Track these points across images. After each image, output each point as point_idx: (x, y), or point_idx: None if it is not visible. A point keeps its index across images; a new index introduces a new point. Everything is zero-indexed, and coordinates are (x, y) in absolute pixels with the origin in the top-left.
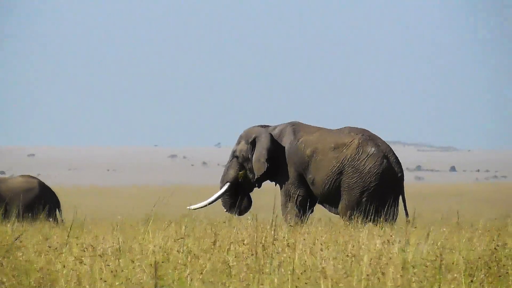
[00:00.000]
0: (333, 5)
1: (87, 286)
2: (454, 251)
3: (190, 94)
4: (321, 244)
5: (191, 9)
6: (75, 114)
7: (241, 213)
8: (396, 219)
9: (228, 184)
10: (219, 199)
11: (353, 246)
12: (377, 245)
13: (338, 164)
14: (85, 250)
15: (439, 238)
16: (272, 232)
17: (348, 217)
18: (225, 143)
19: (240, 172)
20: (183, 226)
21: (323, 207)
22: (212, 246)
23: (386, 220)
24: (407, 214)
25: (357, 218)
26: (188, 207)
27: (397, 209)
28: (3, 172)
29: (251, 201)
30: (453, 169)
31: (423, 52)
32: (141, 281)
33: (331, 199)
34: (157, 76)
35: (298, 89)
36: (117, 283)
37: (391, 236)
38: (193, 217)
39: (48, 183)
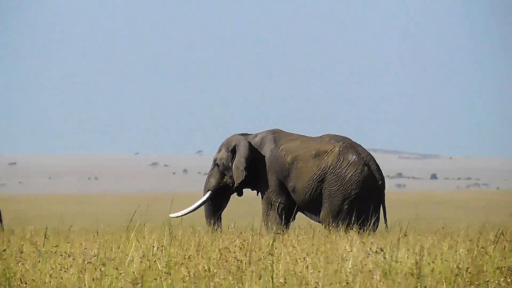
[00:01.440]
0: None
1: None
2: (435, 259)
3: (171, 102)
4: (303, 252)
5: (170, 20)
6: (55, 122)
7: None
8: (377, 226)
9: (209, 192)
10: (201, 207)
11: (335, 254)
12: (359, 253)
13: (319, 172)
14: (67, 258)
15: (420, 245)
16: (251, 239)
17: (330, 225)
18: (206, 150)
19: (224, 180)
20: (165, 234)
21: (304, 214)
22: (195, 254)
23: (368, 228)
24: (386, 222)
25: (339, 226)
26: (170, 215)
27: (379, 217)
28: None
29: (224, 208)
30: (434, 176)
31: (405, 60)
32: None
33: (312, 206)
34: (138, 84)
35: (279, 97)
36: None
37: (373, 244)
38: (176, 224)
39: (29, 191)
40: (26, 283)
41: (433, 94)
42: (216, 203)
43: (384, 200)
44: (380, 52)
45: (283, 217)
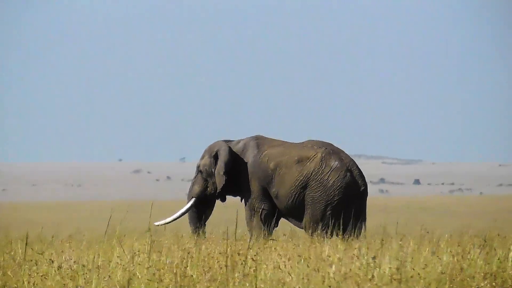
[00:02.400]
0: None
1: None
2: (418, 264)
3: (155, 108)
4: (287, 258)
5: (152, 27)
6: (38, 129)
7: (203, 224)
8: (361, 232)
9: (193, 199)
10: (185, 214)
11: (318, 260)
12: (342, 258)
13: (301, 178)
14: (51, 265)
15: (403, 251)
16: (234, 245)
17: (313, 230)
18: (189, 158)
19: (207, 186)
20: (148, 241)
21: (287, 220)
22: (179, 260)
23: (351, 234)
24: (365, 227)
25: (322, 232)
26: (154, 224)
27: (362, 223)
28: None
29: (209, 215)
30: (417, 182)
31: (388, 67)
32: None
33: (295, 212)
34: (121, 91)
35: (262, 103)
36: None
37: (356, 250)
38: (160, 231)
39: (12, 198)
40: None
41: (416, 99)
42: (200, 210)
43: (365, 205)
44: (364, 58)
45: (266, 223)
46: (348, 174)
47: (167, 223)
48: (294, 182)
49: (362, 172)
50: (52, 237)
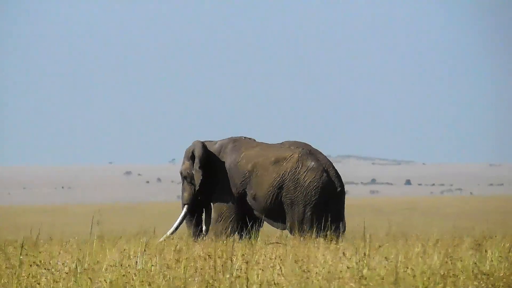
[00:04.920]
0: (276, 17)
1: None
2: (409, 265)
3: (144, 111)
4: (277, 259)
5: (143, 29)
6: (28, 132)
7: (206, 229)
8: (344, 232)
9: (186, 206)
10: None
11: (308, 261)
12: (331, 259)
13: (278, 178)
14: (40, 268)
15: (394, 252)
16: (226, 247)
17: (297, 231)
18: (180, 159)
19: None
20: (140, 243)
21: (266, 222)
22: (171, 262)
23: (330, 234)
24: (343, 227)
25: (307, 233)
26: (159, 240)
27: (340, 223)
28: None
29: (209, 222)
30: (408, 182)
31: (379, 67)
32: None
33: (273, 213)
34: (110, 93)
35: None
36: None
37: (346, 250)
38: (150, 233)
39: (2, 202)
40: None
41: (406, 100)
42: (197, 215)
43: (343, 206)
44: (355, 58)
45: (234, 227)
46: (325, 174)
47: (170, 234)
48: (271, 183)
49: (338, 173)
50: (41, 239)
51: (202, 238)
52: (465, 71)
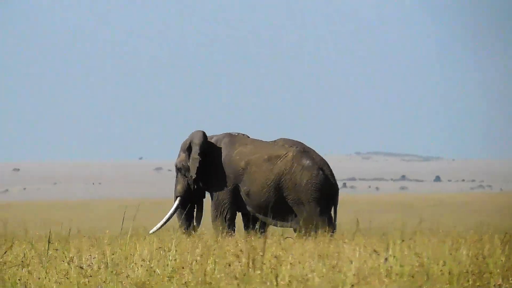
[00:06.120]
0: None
1: None
2: (439, 262)
3: (176, 107)
4: (306, 255)
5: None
6: (59, 128)
7: (197, 225)
8: (335, 229)
9: (178, 198)
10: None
11: (338, 258)
12: (362, 256)
13: (273, 177)
14: (71, 264)
15: (424, 248)
16: (254, 243)
17: (303, 229)
18: None
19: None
20: (168, 238)
21: (258, 217)
22: (199, 258)
23: (326, 230)
24: (335, 225)
25: (319, 229)
26: (150, 232)
27: (335, 220)
28: None
29: (201, 217)
30: (437, 178)
31: (409, 62)
32: None
33: (265, 210)
34: (142, 89)
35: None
36: None
37: (376, 246)
38: (177, 229)
39: (33, 197)
40: None
41: (437, 96)
42: (188, 209)
43: (337, 203)
44: (380, 51)
45: (230, 223)
46: (321, 172)
47: (160, 228)
48: (265, 181)
49: (332, 171)
50: (70, 234)
51: (192, 232)
52: (496, 65)
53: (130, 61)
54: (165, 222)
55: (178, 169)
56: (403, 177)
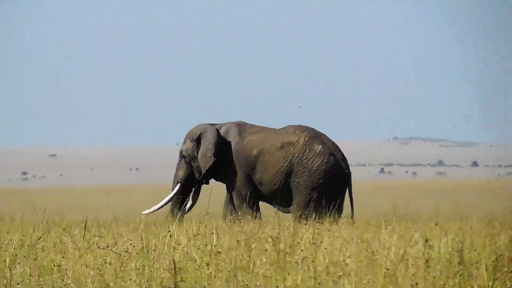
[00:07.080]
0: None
1: (111, 284)
2: (476, 247)
3: (213, 91)
4: (343, 241)
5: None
6: (96, 113)
7: (185, 212)
8: (341, 214)
9: (179, 184)
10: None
11: (375, 243)
12: (399, 241)
13: (285, 164)
14: (108, 249)
15: (460, 233)
16: (291, 228)
17: (302, 215)
18: None
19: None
20: (204, 224)
21: (272, 206)
22: (236, 244)
23: (334, 216)
24: (352, 210)
25: (313, 216)
26: (142, 213)
27: (341, 206)
28: (25, 173)
29: (197, 199)
30: (475, 164)
31: (442, 47)
32: (164, 280)
33: (279, 198)
34: (178, 75)
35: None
36: (141, 281)
37: (415, 232)
38: (216, 214)
39: (70, 182)
40: (68, 275)
41: (473, 82)
42: (185, 195)
43: (351, 188)
44: (420, 34)
45: (255, 209)
46: (332, 158)
47: (155, 210)
48: (278, 169)
49: (344, 156)
50: (108, 221)
51: (183, 216)
52: None
53: (162, 48)
54: (163, 205)
55: (183, 156)
56: (441, 163)
